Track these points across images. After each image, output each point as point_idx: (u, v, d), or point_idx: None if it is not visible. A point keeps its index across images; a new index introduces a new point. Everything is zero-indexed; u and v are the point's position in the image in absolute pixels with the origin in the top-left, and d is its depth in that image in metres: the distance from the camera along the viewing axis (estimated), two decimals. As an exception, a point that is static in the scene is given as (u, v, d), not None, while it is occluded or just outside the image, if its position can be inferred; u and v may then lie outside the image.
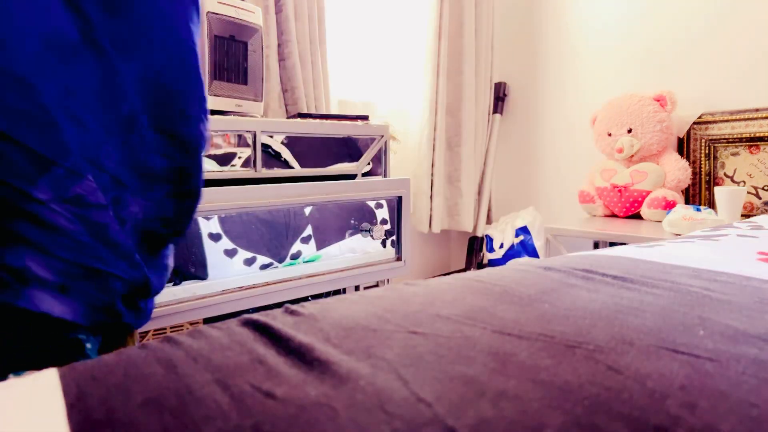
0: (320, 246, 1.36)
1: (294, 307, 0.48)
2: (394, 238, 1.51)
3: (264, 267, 1.23)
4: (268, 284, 1.19)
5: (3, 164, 0.35)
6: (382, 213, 1.53)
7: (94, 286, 0.41)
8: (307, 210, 1.34)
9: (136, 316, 0.51)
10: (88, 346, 0.44)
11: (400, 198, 1.49)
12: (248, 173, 1.20)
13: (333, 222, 1.42)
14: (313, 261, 1.35)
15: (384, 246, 1.49)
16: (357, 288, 1.46)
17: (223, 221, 1.16)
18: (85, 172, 0.39)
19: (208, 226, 1.13)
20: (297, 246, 1.32)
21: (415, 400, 0.30)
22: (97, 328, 0.45)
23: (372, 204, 1.50)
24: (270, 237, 1.25)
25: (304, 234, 1.34)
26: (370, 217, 1.49)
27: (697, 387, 0.30)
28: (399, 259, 1.53)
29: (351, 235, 1.45)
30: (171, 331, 1.12)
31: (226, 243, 1.16)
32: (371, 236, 1.45)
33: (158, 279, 0.55)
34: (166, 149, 0.51)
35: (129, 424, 0.29)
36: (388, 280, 1.53)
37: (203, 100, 0.56)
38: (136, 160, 0.47)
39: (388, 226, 1.50)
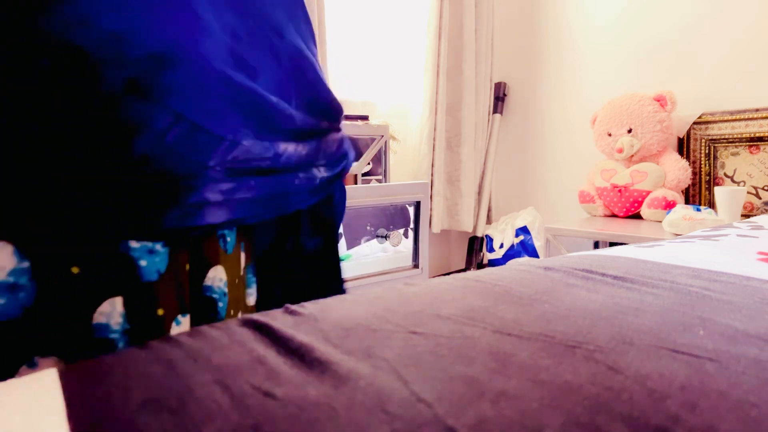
0: (351, 245, 1.31)
1: (294, 307, 0.48)
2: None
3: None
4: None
5: (192, 146, 0.47)
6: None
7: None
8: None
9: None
10: (229, 239, 0.58)
11: (418, 203, 1.40)
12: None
13: (364, 221, 1.37)
14: (342, 260, 1.31)
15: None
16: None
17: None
18: (240, 140, 0.52)
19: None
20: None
21: (415, 400, 0.30)
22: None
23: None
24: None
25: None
26: (405, 216, 1.43)
27: (697, 387, 0.30)
28: (416, 266, 1.43)
29: (379, 236, 1.40)
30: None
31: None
32: (389, 242, 1.39)
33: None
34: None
35: (129, 424, 0.29)
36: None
37: None
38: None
39: (404, 231, 1.44)
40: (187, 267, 0.52)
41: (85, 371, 0.36)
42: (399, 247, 1.46)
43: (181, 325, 0.51)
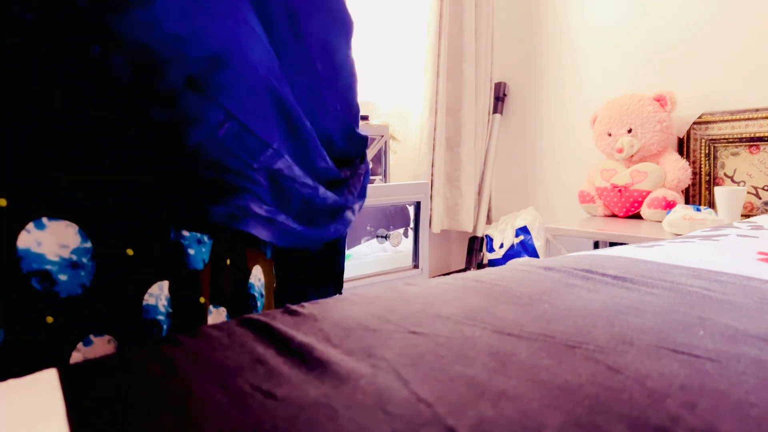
0: (351, 245, 1.30)
1: (294, 307, 0.48)
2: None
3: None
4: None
5: (240, 144, 0.51)
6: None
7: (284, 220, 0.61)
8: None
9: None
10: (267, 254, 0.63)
11: (418, 203, 1.40)
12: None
13: (364, 221, 1.36)
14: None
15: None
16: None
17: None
18: (283, 153, 0.57)
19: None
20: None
21: (415, 400, 0.30)
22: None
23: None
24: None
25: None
26: (404, 215, 1.42)
27: (697, 387, 0.30)
28: (416, 266, 1.42)
29: (379, 236, 1.39)
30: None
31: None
32: (389, 242, 1.39)
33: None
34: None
35: (129, 424, 0.29)
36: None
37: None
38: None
39: (403, 230, 1.44)
40: (228, 262, 0.55)
41: (85, 371, 0.36)
42: (399, 247, 1.46)
43: (213, 315, 0.54)
